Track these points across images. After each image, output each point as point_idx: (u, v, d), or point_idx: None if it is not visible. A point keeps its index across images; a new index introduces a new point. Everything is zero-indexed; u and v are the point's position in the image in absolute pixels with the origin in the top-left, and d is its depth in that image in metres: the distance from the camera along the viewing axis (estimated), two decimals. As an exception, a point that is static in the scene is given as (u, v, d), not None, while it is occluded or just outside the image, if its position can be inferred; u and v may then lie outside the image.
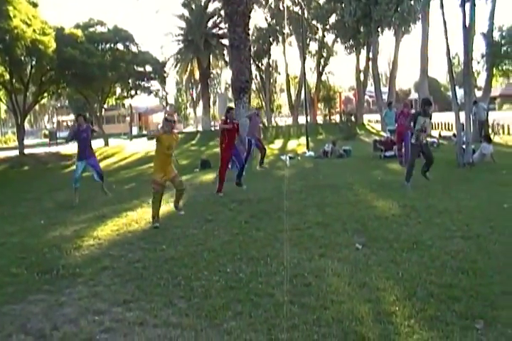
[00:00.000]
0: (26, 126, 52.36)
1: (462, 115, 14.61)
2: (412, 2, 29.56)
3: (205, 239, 7.23)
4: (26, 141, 36.61)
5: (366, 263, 5.71)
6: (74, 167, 11.06)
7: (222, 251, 6.53)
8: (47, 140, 46.72)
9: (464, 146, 13.91)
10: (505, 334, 3.88)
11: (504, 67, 24.90)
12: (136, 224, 8.61)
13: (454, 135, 17.97)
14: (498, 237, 6.44)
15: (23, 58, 28.20)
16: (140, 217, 9.24)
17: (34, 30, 25.46)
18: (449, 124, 29.24)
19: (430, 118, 11.04)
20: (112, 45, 35.66)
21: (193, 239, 7.29)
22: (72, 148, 35.90)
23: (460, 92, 15.79)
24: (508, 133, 25.69)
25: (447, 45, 14.24)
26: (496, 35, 24.31)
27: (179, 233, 7.73)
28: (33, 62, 29.48)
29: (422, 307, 4.41)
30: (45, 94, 35.77)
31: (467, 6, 14.63)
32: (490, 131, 23.56)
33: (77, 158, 11.48)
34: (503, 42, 24.17)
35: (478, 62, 25.36)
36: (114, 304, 4.94)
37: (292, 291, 4.97)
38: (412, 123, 10.76)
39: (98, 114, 39.77)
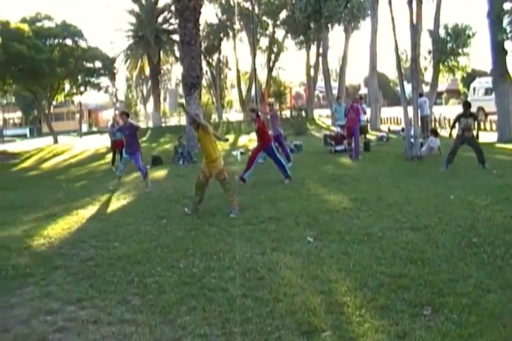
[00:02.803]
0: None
1: (410, 110, 14.94)
2: (362, -1, 30.07)
3: (157, 236, 7.20)
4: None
5: (318, 255, 5.81)
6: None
7: (175, 247, 6.52)
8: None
9: (412, 140, 14.24)
10: (450, 318, 4.03)
11: (450, 63, 25.64)
12: (87, 222, 8.48)
13: (403, 129, 18.34)
14: (445, 227, 6.66)
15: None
16: (92, 214, 9.10)
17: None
18: (397, 119, 29.83)
19: (474, 119, 11.94)
20: (61, 41, 34.75)
21: (145, 236, 7.25)
22: (21, 146, 35.02)
23: (408, 87, 16.15)
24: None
25: (395, 42, 14.54)
26: (442, 32, 25.06)
27: (132, 230, 7.66)
28: (-24, 57, 28.42)
29: (373, 296, 4.53)
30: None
31: (414, 3, 15.00)
32: (437, 125, 24.22)
33: (124, 152, 12.19)
34: (448, 39, 24.91)
35: (426, 58, 26.07)
36: (67, 303, 4.87)
37: (245, 285, 5.01)
38: (453, 123, 12.40)
39: (47, 111, 38.77)
